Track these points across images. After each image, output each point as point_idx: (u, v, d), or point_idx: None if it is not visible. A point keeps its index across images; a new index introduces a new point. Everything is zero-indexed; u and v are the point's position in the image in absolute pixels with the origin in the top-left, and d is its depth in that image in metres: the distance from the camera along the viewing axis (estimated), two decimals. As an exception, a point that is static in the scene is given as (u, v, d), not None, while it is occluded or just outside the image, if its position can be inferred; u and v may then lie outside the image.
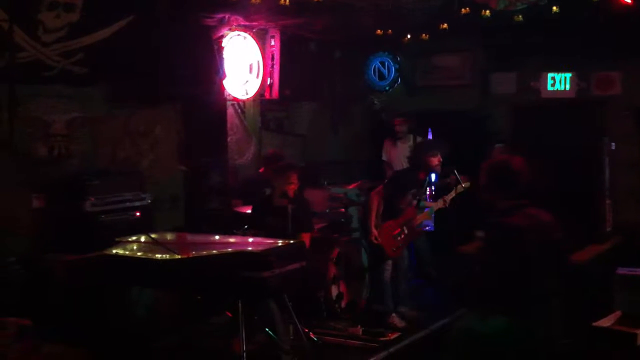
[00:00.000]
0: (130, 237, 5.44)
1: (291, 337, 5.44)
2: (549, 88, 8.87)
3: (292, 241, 5.17)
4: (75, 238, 5.69)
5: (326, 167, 8.98)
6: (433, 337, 6.00)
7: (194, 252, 4.91)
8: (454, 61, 9.57)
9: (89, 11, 5.71)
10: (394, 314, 6.32)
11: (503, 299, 3.72)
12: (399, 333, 6.05)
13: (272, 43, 8.00)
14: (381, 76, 9.83)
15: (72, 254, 5.56)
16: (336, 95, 9.81)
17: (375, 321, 6.24)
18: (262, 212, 6.04)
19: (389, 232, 6.28)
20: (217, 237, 5.53)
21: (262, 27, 7.79)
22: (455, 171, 6.47)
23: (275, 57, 8.00)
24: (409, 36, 8.33)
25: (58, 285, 5.48)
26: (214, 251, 4.90)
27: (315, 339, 5.71)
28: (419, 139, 8.19)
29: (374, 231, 6.25)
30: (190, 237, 5.65)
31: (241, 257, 4.78)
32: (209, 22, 7.01)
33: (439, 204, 6.61)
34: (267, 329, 5.20)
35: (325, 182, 8.10)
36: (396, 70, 9.73)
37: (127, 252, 5.22)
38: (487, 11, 6.67)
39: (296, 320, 5.39)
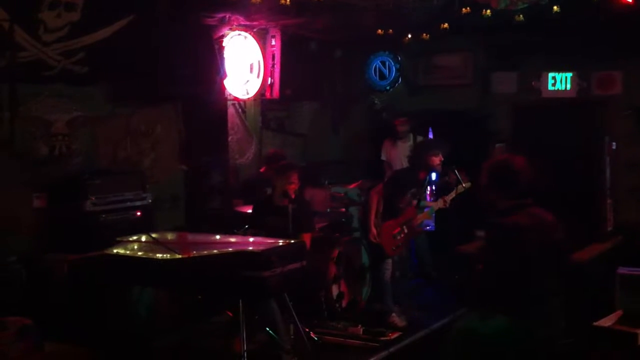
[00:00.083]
0: (131, 236, 5.46)
1: (292, 337, 5.43)
2: (550, 88, 8.84)
3: (292, 241, 5.17)
4: (76, 237, 5.70)
5: (327, 166, 8.95)
6: (433, 337, 6.01)
7: (194, 252, 4.91)
8: (454, 61, 9.55)
9: (90, 11, 5.71)
10: (394, 314, 6.33)
11: (503, 298, 3.71)
12: (400, 333, 6.06)
13: (273, 43, 7.99)
14: (382, 76, 9.81)
15: (73, 254, 5.58)
16: (337, 95, 9.81)
17: (376, 321, 6.25)
18: (262, 212, 6.04)
19: (388, 231, 6.29)
20: (217, 236, 5.53)
21: (262, 26, 7.78)
22: (456, 171, 6.47)
23: (276, 56, 7.99)
24: (409, 36, 8.31)
25: (59, 284, 5.49)
26: (215, 251, 4.91)
27: (316, 338, 5.72)
28: (419, 139, 8.20)
29: (374, 230, 6.25)
30: (191, 237, 5.65)
31: (242, 256, 4.78)
32: (210, 21, 7.01)
33: (439, 204, 6.61)
34: (267, 329, 5.20)
35: (326, 182, 8.08)
36: (397, 69, 9.71)
37: (127, 252, 5.23)
38: (488, 11, 6.66)
39: (297, 320, 5.40)
